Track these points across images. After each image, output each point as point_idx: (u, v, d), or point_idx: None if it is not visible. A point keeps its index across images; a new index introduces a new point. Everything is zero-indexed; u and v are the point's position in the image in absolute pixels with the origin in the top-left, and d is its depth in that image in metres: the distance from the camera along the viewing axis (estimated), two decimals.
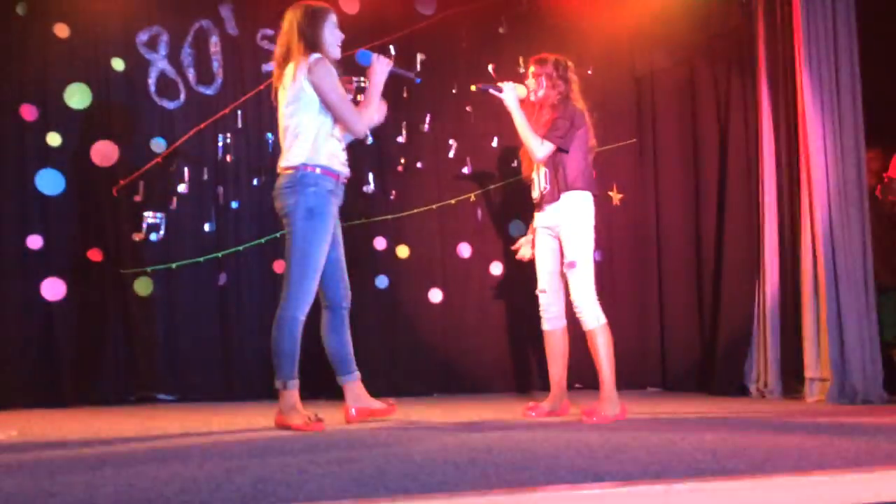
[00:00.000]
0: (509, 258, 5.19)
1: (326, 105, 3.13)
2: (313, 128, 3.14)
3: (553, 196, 3.72)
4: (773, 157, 4.34)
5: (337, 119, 3.16)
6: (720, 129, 4.89)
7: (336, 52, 3.25)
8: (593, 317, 3.65)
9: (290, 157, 3.15)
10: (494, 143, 5.14)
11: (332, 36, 3.23)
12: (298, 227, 3.13)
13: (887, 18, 4.39)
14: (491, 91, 3.78)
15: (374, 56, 3.28)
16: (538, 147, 3.68)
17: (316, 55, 3.12)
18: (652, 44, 5.23)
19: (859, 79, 4.07)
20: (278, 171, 3.23)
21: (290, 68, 3.16)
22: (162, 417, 3.65)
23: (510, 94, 3.73)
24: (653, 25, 5.10)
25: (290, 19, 3.21)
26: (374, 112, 3.27)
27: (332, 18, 3.25)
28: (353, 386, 3.41)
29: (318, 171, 3.13)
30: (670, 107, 5.22)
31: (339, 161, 3.22)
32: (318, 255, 3.17)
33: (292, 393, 3.15)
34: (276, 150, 4.77)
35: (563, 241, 3.73)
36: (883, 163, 4.57)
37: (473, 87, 3.79)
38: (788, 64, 4.22)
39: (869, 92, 4.15)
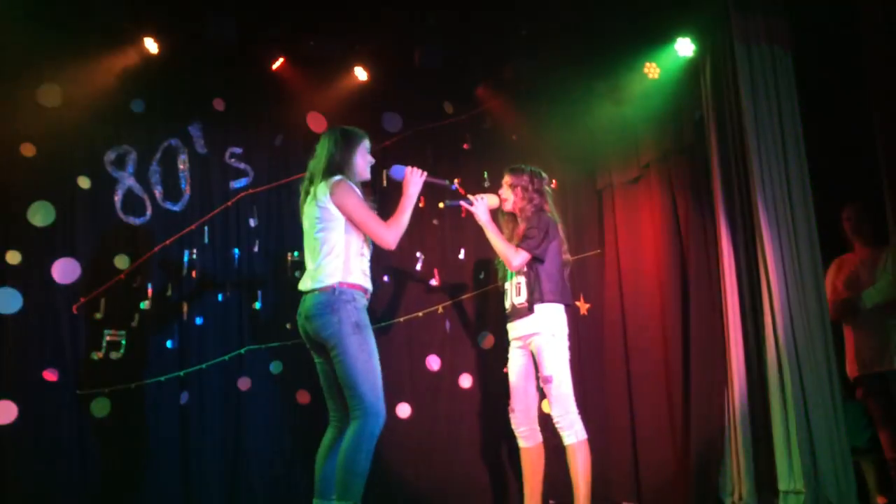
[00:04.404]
0: (479, 370, 5.16)
1: (353, 223, 3.16)
2: (344, 247, 3.16)
3: (526, 309, 3.73)
4: (734, 270, 4.42)
5: (365, 234, 3.19)
6: (680, 243, 5.00)
7: (366, 175, 3.33)
8: (572, 432, 3.61)
9: (324, 276, 3.14)
10: (462, 255, 5.18)
11: (363, 160, 3.31)
12: (352, 342, 3.07)
13: (831, 137, 4.61)
14: (462, 204, 3.83)
15: (408, 169, 3.36)
16: (513, 256, 3.72)
17: (337, 177, 3.17)
18: (611, 160, 5.40)
19: (811, 195, 4.23)
20: (306, 290, 3.19)
21: (314, 189, 3.21)
22: None
23: (481, 206, 3.79)
24: (611, 141, 5.30)
25: (324, 142, 3.28)
26: (405, 223, 3.29)
27: (366, 143, 3.33)
28: None
29: (352, 287, 3.12)
30: (632, 219, 5.34)
31: (367, 278, 3.24)
32: (378, 364, 3.11)
33: None
34: (243, 266, 4.83)
35: (538, 355, 3.72)
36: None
37: (442, 204, 3.85)
38: (742, 182, 4.37)
39: (819, 203, 4.31)
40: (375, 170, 3.56)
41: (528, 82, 5.30)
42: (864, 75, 3.48)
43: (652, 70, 5.11)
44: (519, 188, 3.88)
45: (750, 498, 4.33)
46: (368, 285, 3.26)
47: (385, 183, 4.92)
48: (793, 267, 4.11)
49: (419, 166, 5.09)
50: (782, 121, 4.29)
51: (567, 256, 3.87)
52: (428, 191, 3.64)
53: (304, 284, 3.23)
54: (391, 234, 3.23)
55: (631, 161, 5.31)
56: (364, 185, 3.36)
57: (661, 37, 4.90)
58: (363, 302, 3.20)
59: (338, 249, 3.17)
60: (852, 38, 3.62)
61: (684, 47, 4.82)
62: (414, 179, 3.36)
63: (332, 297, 3.11)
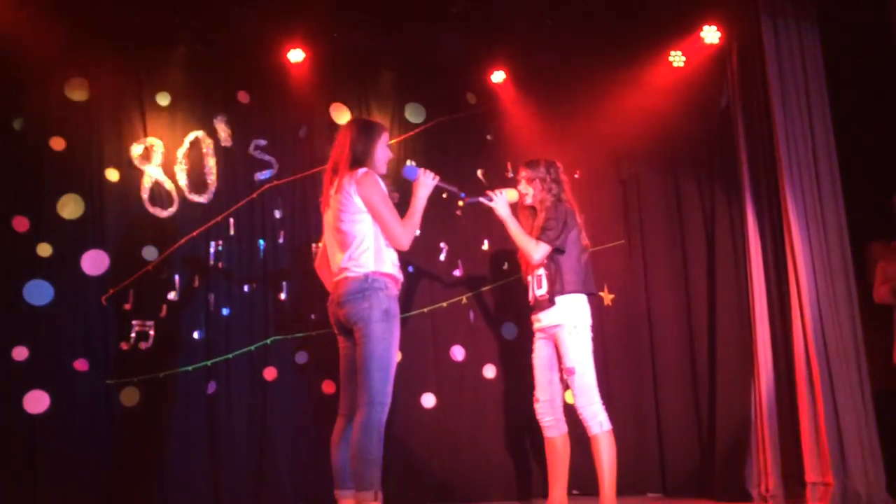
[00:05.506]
0: (503, 360, 5.17)
1: (375, 217, 3.19)
2: (373, 238, 3.19)
3: (548, 300, 3.73)
4: (761, 260, 4.38)
5: (383, 230, 3.21)
6: (706, 233, 4.95)
7: (383, 169, 3.35)
8: (597, 423, 3.61)
9: (357, 264, 3.18)
10: (485, 246, 5.18)
11: (382, 152, 3.33)
12: (376, 329, 3.11)
13: (859, 118, 4.53)
14: (481, 201, 3.83)
15: (421, 171, 3.36)
16: (534, 249, 3.72)
17: (363, 169, 3.20)
18: (635, 149, 5.35)
19: (840, 182, 4.16)
20: (338, 278, 3.22)
21: (338, 180, 3.24)
22: None
23: (500, 202, 3.79)
24: (635, 130, 5.25)
25: (345, 133, 3.31)
26: (417, 225, 3.31)
27: (385, 136, 3.36)
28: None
29: (385, 276, 3.16)
30: (657, 209, 5.30)
31: (397, 268, 3.26)
32: (395, 357, 3.17)
33: None
34: (268, 257, 4.86)
35: (560, 345, 3.72)
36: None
37: (461, 203, 3.85)
38: (770, 168, 4.32)
39: (848, 190, 4.24)
40: (397, 161, 3.56)
41: (552, 72, 5.27)
42: (893, 55, 3.41)
43: (677, 58, 5.06)
44: (537, 180, 3.87)
45: (777, 490, 4.30)
46: (399, 275, 3.29)
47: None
48: (822, 256, 4.06)
49: (442, 157, 5.12)
50: (811, 106, 4.23)
51: (586, 243, 3.85)
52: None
53: (337, 273, 3.26)
54: (407, 236, 3.24)
55: (655, 150, 5.26)
56: (384, 178, 3.37)
57: (687, 24, 4.84)
58: (395, 291, 3.23)
59: (368, 241, 3.19)
60: (881, 21, 3.54)
61: (710, 34, 4.76)
62: (425, 182, 3.36)
63: (366, 283, 3.14)
